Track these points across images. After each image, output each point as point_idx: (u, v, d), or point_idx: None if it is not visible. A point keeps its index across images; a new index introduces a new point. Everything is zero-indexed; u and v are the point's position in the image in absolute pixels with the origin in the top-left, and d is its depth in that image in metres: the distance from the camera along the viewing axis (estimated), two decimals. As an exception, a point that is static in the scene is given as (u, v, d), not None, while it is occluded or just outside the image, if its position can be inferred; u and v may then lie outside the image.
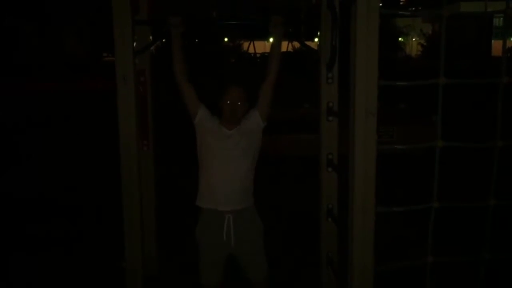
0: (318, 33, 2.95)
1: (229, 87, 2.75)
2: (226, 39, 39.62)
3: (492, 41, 36.67)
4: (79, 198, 5.60)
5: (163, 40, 3.56)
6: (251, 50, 42.00)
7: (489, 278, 2.47)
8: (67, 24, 28.76)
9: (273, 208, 3.22)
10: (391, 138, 7.30)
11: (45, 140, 9.11)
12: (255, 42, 42.07)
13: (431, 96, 2.27)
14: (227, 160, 2.69)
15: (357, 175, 2.19)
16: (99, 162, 7.02)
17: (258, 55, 38.65)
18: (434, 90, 2.21)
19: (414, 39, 44.54)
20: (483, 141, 2.29)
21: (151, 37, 3.36)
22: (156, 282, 3.41)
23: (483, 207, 2.34)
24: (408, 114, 8.85)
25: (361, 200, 2.20)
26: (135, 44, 2.73)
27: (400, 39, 36.76)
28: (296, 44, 26.72)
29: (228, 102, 2.71)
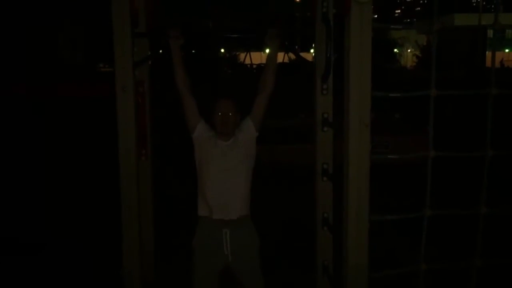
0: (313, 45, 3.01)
1: (220, 100, 2.81)
2: (222, 50, 39.78)
3: (486, 52, 36.95)
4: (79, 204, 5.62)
5: (160, 51, 3.64)
6: (247, 61, 42.13)
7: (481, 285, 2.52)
8: (63, 31, 28.61)
9: (268, 217, 3.27)
10: (386, 148, 7.36)
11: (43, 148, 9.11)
12: (251, 53, 42.21)
13: (426, 106, 2.33)
14: (224, 170, 2.74)
15: (351, 184, 2.25)
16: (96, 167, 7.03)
17: (254, 66, 38.79)
18: (428, 101, 2.28)
19: (409, 50, 44.81)
20: (477, 150, 2.35)
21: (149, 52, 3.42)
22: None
23: (475, 215, 2.40)
24: (403, 124, 8.93)
25: (355, 209, 2.25)
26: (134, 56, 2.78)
27: (395, 50, 37.01)
28: (292, 56, 26.87)
29: (220, 113, 2.76)
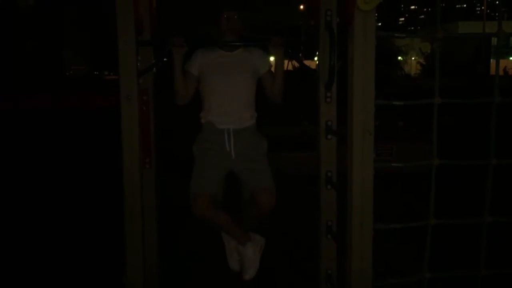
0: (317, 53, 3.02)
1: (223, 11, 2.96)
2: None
3: (491, 60, 36.96)
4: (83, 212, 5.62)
5: (164, 60, 3.66)
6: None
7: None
8: (68, 40, 28.85)
9: (270, 223, 3.27)
10: (390, 156, 7.34)
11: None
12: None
13: (429, 114, 2.34)
14: (227, 75, 2.85)
15: (355, 193, 2.24)
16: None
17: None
18: (432, 109, 2.28)
19: (413, 58, 44.82)
20: (481, 158, 2.35)
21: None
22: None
23: (479, 224, 2.38)
24: (407, 132, 8.92)
25: (359, 217, 2.24)
26: (138, 64, 2.79)
27: (399, 58, 37.00)
28: (296, 63, 26.94)
29: (225, 16, 2.91)
